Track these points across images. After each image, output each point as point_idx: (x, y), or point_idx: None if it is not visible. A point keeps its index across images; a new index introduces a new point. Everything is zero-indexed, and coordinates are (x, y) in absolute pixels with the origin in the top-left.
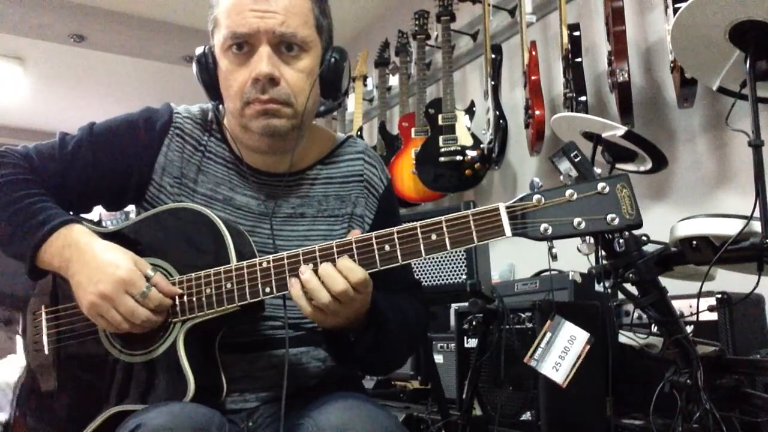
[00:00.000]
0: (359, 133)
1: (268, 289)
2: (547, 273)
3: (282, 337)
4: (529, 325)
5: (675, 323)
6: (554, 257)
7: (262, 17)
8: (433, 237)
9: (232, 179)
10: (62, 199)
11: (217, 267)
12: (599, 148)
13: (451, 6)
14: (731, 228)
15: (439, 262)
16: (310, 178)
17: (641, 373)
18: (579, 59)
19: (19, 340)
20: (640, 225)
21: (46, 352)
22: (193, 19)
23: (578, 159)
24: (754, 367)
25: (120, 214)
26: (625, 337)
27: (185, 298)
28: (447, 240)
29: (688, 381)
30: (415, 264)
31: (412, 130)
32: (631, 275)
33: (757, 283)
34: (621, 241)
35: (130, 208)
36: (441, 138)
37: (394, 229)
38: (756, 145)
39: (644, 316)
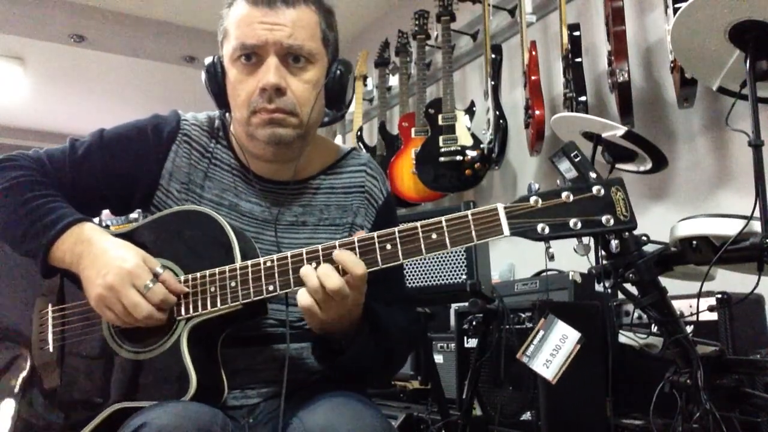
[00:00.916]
0: (359, 133)
1: (271, 287)
2: (547, 273)
3: (282, 333)
4: (529, 325)
5: (675, 323)
6: (551, 257)
7: (271, 30)
8: (434, 236)
9: (238, 186)
10: (71, 202)
11: (223, 266)
12: (599, 148)
13: (451, 6)
14: (731, 228)
15: (439, 262)
16: (313, 188)
17: (641, 373)
18: (579, 59)
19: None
20: (634, 227)
21: (51, 350)
22: (193, 19)
23: (578, 159)
24: (754, 367)
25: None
26: (625, 337)
27: (190, 296)
28: (447, 239)
29: (688, 381)
30: (415, 264)
31: (412, 130)
32: (631, 275)
33: (757, 283)
34: (616, 242)
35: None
36: (441, 138)
37: (395, 228)
38: (756, 145)
39: (644, 316)
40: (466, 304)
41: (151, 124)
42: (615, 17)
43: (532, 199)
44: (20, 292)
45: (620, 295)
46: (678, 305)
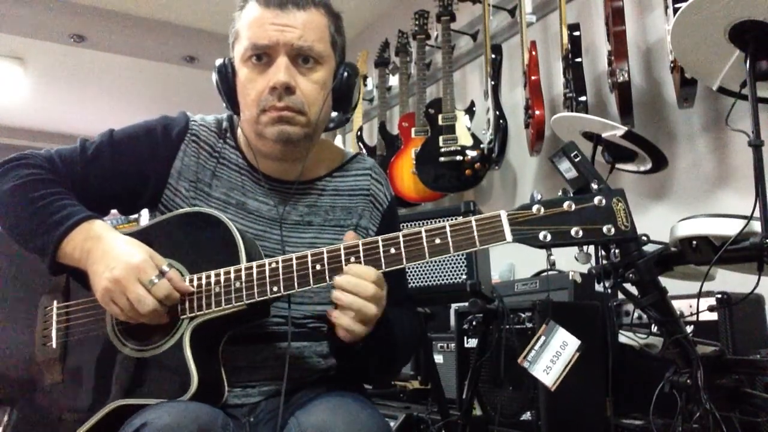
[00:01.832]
0: (359, 133)
1: (275, 288)
2: (547, 273)
3: (284, 332)
4: (529, 325)
5: (675, 323)
6: (552, 264)
7: (282, 31)
8: (437, 241)
9: (245, 184)
10: (81, 201)
11: (228, 267)
12: (599, 148)
13: (451, 6)
14: (731, 228)
15: (439, 262)
16: (319, 189)
17: (641, 373)
18: (579, 59)
19: None
20: (635, 237)
21: (54, 345)
22: (193, 19)
23: (578, 159)
24: (754, 367)
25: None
26: (625, 337)
27: (195, 295)
28: (450, 244)
29: (688, 381)
30: (416, 264)
31: (412, 130)
32: (631, 275)
33: (757, 283)
34: (617, 251)
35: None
36: (441, 138)
37: (400, 233)
38: (756, 145)
39: (644, 316)
40: (466, 304)
41: (160, 124)
42: (615, 17)
43: (535, 207)
44: (24, 295)
45: (620, 295)
46: (678, 305)
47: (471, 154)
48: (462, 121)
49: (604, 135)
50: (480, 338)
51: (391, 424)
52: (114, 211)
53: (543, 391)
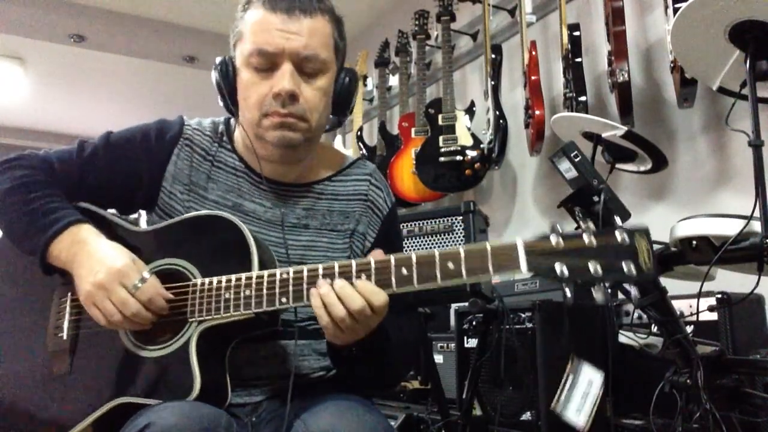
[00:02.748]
0: (359, 132)
1: (284, 299)
2: None
3: (285, 330)
4: (529, 325)
5: (675, 323)
6: (567, 301)
7: (288, 38)
8: (450, 265)
9: (242, 187)
10: (78, 201)
11: (239, 273)
12: (599, 148)
13: (451, 6)
14: (731, 228)
15: None
16: (317, 192)
17: (641, 373)
18: (579, 59)
19: None
20: (654, 276)
21: (65, 337)
22: (193, 19)
23: (578, 159)
24: (754, 367)
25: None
26: (625, 337)
27: (204, 298)
28: (463, 270)
29: (688, 381)
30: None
31: (412, 130)
32: None
33: (757, 283)
34: (636, 289)
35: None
36: (441, 138)
37: (413, 254)
38: (756, 145)
39: (644, 316)
40: (466, 304)
41: (155, 128)
42: (615, 17)
43: (553, 239)
44: (42, 286)
45: (620, 295)
46: (678, 305)
47: (471, 154)
48: (462, 121)
49: (604, 135)
50: (480, 338)
51: (391, 424)
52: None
53: (543, 391)
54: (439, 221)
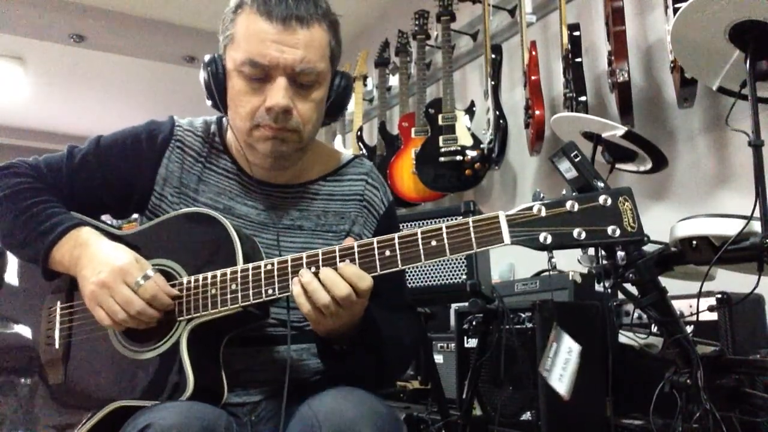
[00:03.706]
0: (359, 133)
1: (270, 290)
2: (547, 273)
3: (282, 334)
4: (529, 325)
5: (675, 323)
6: (553, 267)
7: (283, 51)
8: (433, 243)
9: (233, 189)
10: (69, 208)
11: (225, 269)
12: (599, 148)
13: (451, 6)
14: (731, 228)
15: (439, 262)
16: (311, 193)
17: (641, 373)
18: (579, 59)
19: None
20: (642, 239)
21: (57, 346)
22: (193, 19)
23: (578, 159)
24: (754, 367)
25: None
26: (625, 337)
27: (191, 297)
28: (447, 246)
29: (688, 381)
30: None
31: (412, 130)
32: (631, 275)
33: (757, 283)
34: (623, 254)
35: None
36: (441, 138)
37: (395, 234)
38: (756, 145)
39: (644, 316)
40: (466, 304)
41: (145, 130)
42: (615, 17)
43: (536, 207)
44: (33, 293)
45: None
46: (678, 305)
47: (471, 154)
48: (462, 121)
49: (604, 135)
50: (480, 338)
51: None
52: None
53: (543, 391)
54: (439, 221)
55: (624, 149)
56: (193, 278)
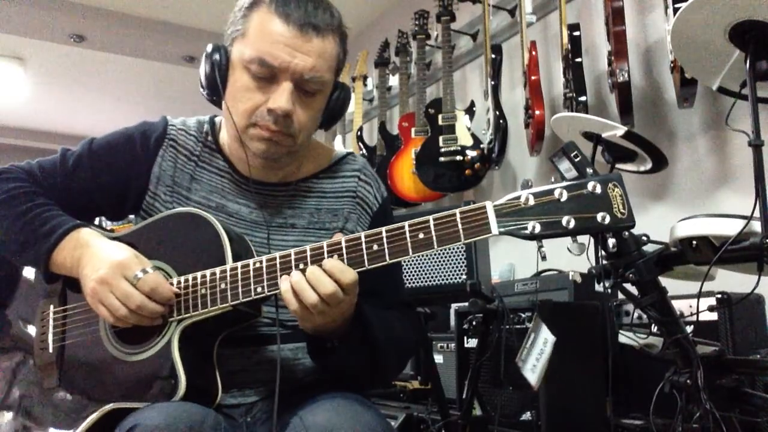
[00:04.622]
0: (359, 133)
1: (259, 288)
2: (547, 273)
3: (275, 334)
4: (529, 325)
5: (675, 323)
6: (543, 257)
7: (295, 56)
8: (421, 236)
9: (225, 187)
10: (65, 211)
11: (214, 268)
12: (599, 148)
13: (451, 6)
14: (731, 228)
15: (439, 262)
16: (304, 190)
17: (641, 373)
18: (579, 59)
19: None
20: (632, 225)
21: (50, 350)
22: (193, 19)
23: (578, 159)
24: (754, 367)
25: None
26: (625, 337)
27: (182, 297)
28: (434, 238)
29: (688, 381)
30: (415, 264)
31: (412, 130)
32: (631, 275)
33: (757, 283)
34: (614, 241)
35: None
36: (441, 138)
37: (383, 228)
38: (756, 145)
39: (644, 316)
40: (466, 304)
41: (138, 131)
42: (615, 17)
43: (523, 196)
44: (32, 298)
45: (620, 295)
46: (678, 305)
47: (471, 154)
48: (462, 121)
49: (604, 135)
50: (480, 338)
51: (391, 423)
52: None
53: (543, 391)
54: None
55: (624, 149)
56: (183, 278)
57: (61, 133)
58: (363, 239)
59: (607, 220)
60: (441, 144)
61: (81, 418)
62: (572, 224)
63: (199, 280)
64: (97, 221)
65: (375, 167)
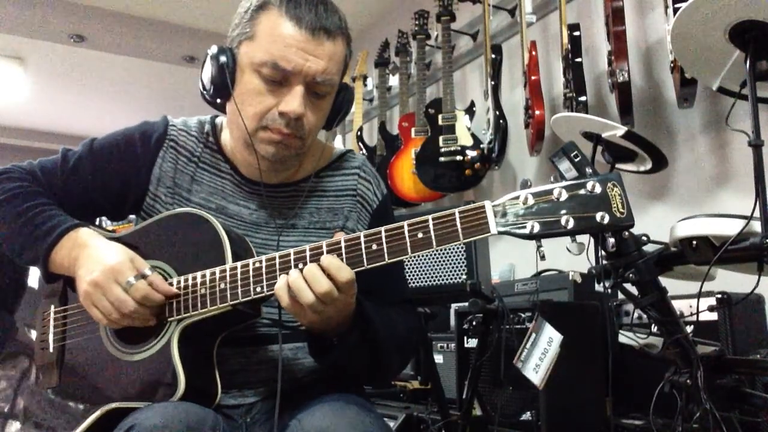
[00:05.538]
0: (359, 133)
1: (258, 288)
2: (547, 273)
3: (276, 333)
4: (529, 325)
5: (675, 323)
6: (542, 257)
7: (308, 59)
8: (420, 235)
9: (225, 189)
10: (66, 211)
11: (214, 268)
12: (599, 148)
13: (451, 6)
14: (731, 228)
15: (439, 262)
16: (304, 190)
17: (641, 373)
18: (579, 59)
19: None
20: (631, 224)
21: (51, 350)
22: (193, 19)
23: (578, 159)
24: (754, 367)
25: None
26: (625, 337)
27: (181, 297)
28: (433, 238)
29: (688, 381)
30: (415, 264)
31: (412, 130)
32: (631, 275)
33: (757, 283)
34: (612, 240)
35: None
36: (441, 138)
37: (382, 228)
38: (756, 145)
39: (644, 316)
40: (466, 304)
41: (139, 131)
42: (615, 17)
43: (522, 195)
44: (32, 297)
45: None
46: (678, 305)
47: (471, 154)
48: (462, 121)
49: (604, 135)
50: (480, 338)
51: (391, 424)
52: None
53: (543, 391)
54: None
55: (624, 149)
56: (183, 278)
57: (61, 133)
58: (362, 239)
59: (606, 219)
60: (441, 144)
61: (81, 417)
62: (571, 224)
63: (198, 280)
64: (97, 221)
65: (375, 167)
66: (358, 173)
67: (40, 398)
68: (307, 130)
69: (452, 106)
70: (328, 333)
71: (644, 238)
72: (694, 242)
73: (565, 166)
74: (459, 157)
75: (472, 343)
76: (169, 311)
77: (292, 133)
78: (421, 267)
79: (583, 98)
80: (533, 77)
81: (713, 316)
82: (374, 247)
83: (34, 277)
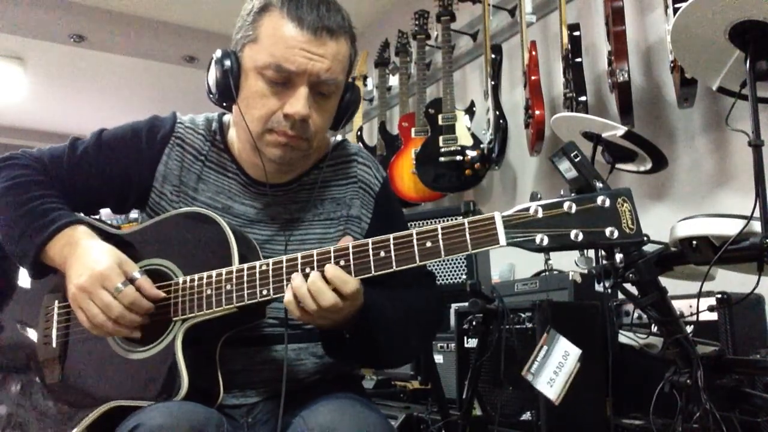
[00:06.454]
0: (359, 133)
1: (265, 291)
2: (547, 273)
3: (280, 333)
4: (529, 325)
5: (675, 323)
6: (550, 269)
7: (311, 59)
8: (428, 244)
9: (232, 188)
10: (70, 201)
11: (220, 269)
12: (599, 148)
13: (451, 6)
14: (731, 228)
15: (440, 262)
16: (307, 184)
17: (641, 373)
18: (579, 59)
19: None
20: (641, 240)
21: (54, 345)
22: (193, 19)
23: (578, 159)
24: (754, 367)
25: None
26: (625, 337)
27: (186, 297)
28: (442, 247)
29: (688, 381)
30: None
31: (412, 130)
32: (631, 275)
33: (757, 283)
34: (621, 256)
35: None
36: (441, 138)
37: (390, 236)
38: (756, 145)
39: (644, 316)
40: (466, 304)
41: (146, 126)
42: (615, 17)
43: (532, 208)
44: (34, 292)
45: (620, 295)
46: (678, 305)
47: (471, 154)
48: (462, 121)
49: (604, 135)
50: (480, 338)
51: (392, 423)
52: (107, 211)
53: None
54: (439, 222)
55: (624, 149)
56: (188, 278)
57: (61, 133)
58: (370, 246)
59: (616, 235)
60: (441, 144)
61: (83, 413)
62: (580, 238)
63: (204, 281)
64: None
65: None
66: (356, 159)
67: (40, 393)
68: (313, 132)
69: (452, 106)
70: (338, 328)
71: (644, 238)
72: (694, 242)
73: (565, 166)
74: (459, 157)
75: (472, 343)
76: (174, 311)
77: (298, 135)
78: None
79: (583, 98)
80: (533, 77)
81: (713, 316)
82: (382, 254)
83: (26, 277)
